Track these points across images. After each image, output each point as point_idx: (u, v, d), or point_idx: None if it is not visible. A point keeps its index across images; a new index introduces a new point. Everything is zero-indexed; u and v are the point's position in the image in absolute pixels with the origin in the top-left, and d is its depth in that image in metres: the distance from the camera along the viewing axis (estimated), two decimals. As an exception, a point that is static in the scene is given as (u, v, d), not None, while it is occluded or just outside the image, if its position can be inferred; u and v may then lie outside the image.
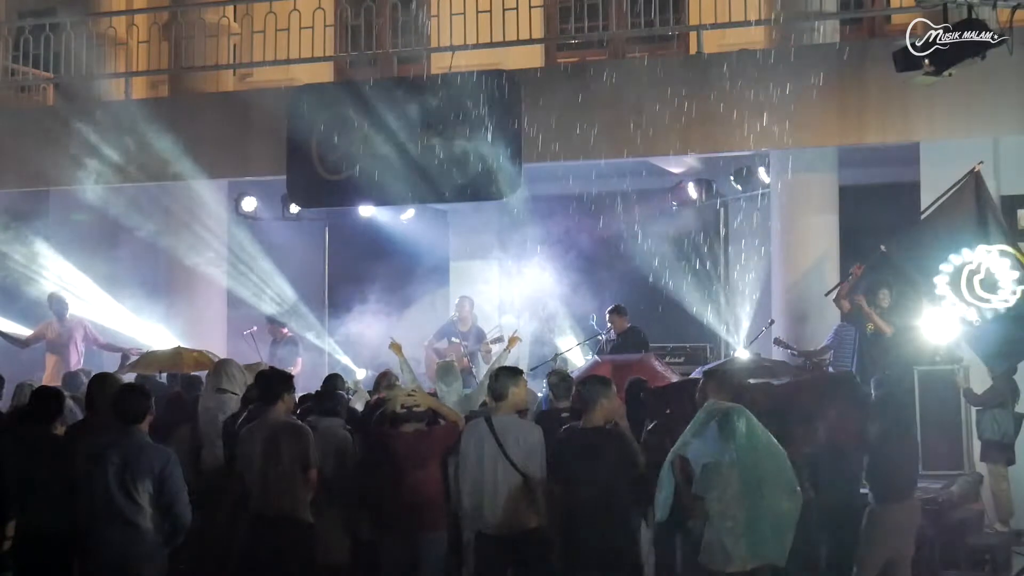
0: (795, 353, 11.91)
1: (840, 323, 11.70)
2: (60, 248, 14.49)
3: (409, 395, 7.95)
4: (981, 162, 10.72)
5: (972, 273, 10.49)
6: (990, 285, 10.47)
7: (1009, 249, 10.51)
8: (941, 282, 10.54)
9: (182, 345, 12.29)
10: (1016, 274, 10.46)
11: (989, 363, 10.61)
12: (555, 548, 7.09)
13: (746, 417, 6.76)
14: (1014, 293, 10.44)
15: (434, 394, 9.52)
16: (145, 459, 6.54)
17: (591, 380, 7.44)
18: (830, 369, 11.52)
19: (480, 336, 13.80)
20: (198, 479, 8.51)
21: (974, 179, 10.64)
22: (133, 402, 6.73)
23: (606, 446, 7.02)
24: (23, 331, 13.75)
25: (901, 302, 11.07)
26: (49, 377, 12.81)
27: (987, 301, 10.46)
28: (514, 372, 7.55)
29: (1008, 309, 10.43)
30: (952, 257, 10.52)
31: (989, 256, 10.47)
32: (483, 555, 7.32)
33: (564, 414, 8.67)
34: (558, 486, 7.07)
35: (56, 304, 13.52)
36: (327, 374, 9.70)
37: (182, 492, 6.63)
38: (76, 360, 13.26)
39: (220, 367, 9.41)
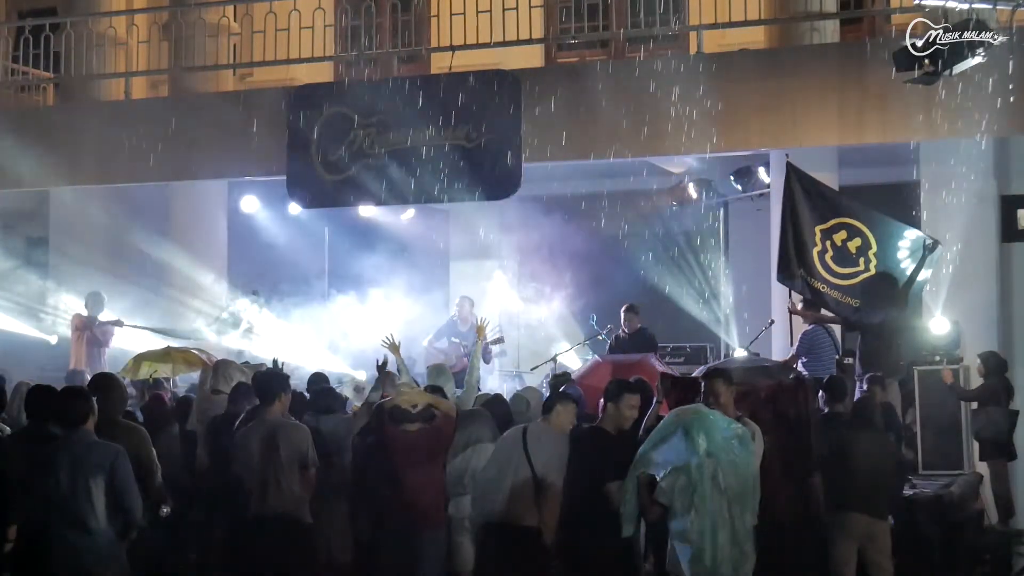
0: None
1: (810, 328, 11.48)
2: (59, 249, 14.51)
3: (407, 394, 7.95)
4: (787, 154, 10.77)
5: (821, 254, 10.53)
6: (842, 258, 10.48)
7: (843, 221, 10.54)
8: (809, 280, 10.55)
9: (171, 345, 12.28)
10: (858, 241, 10.48)
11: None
12: (552, 549, 7.12)
13: (710, 422, 6.73)
14: (868, 260, 10.47)
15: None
16: (94, 456, 6.59)
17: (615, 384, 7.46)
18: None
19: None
20: (192, 480, 8.51)
21: (789, 171, 10.69)
22: (72, 405, 6.77)
23: (605, 448, 7.01)
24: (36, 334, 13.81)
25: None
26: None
27: (853, 276, 10.46)
28: (567, 397, 7.70)
29: (873, 278, 10.46)
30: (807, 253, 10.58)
31: (827, 234, 10.48)
32: (485, 544, 7.41)
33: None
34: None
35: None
36: (310, 375, 9.69)
37: (132, 486, 6.65)
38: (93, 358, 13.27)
39: (217, 368, 9.40)
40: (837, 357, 11.22)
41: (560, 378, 10.09)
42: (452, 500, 7.96)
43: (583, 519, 6.97)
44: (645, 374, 10.00)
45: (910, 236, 10.73)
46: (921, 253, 10.56)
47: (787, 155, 10.82)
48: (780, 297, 12.45)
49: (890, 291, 10.47)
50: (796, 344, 11.60)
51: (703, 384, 7.39)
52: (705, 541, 6.56)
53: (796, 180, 10.78)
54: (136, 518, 6.71)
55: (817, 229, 10.57)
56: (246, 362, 10.81)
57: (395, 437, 7.71)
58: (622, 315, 12.97)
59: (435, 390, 8.38)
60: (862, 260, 10.65)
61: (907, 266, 10.58)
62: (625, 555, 7.07)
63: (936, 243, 10.62)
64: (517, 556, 7.14)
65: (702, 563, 6.56)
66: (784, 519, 7.49)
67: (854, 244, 10.59)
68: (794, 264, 10.68)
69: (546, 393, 9.69)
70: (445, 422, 7.82)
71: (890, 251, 10.62)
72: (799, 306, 11.17)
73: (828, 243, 10.59)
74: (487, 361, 13.14)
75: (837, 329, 11.66)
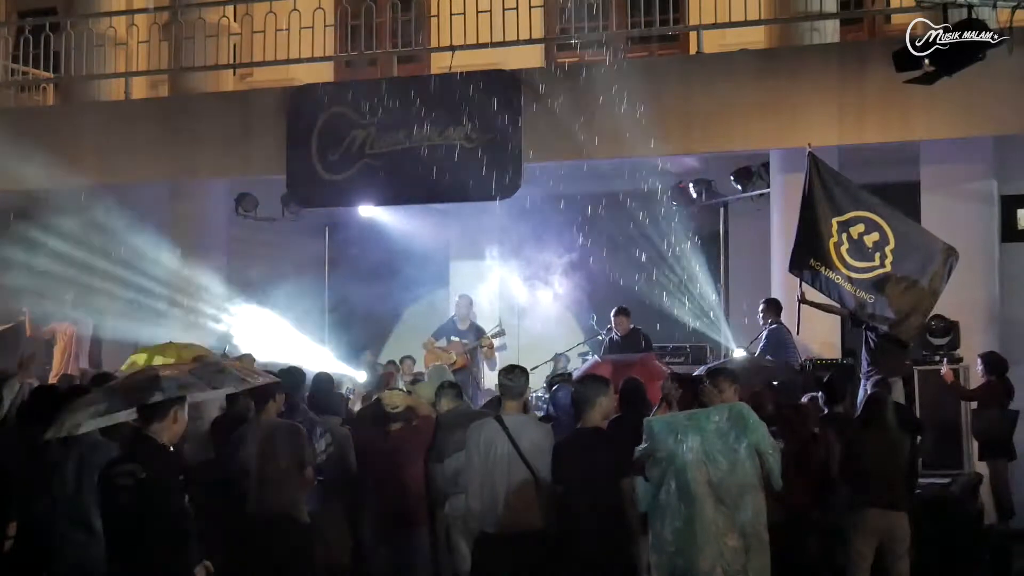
0: None
1: (775, 326, 11.47)
2: (59, 249, 14.48)
3: (388, 395, 8.01)
4: (810, 143, 10.67)
5: (837, 246, 10.47)
6: (858, 251, 10.43)
7: (861, 214, 10.51)
8: (822, 270, 10.53)
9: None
10: (876, 236, 10.44)
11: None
12: (553, 550, 7.08)
13: (702, 421, 6.70)
14: (884, 256, 10.45)
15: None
16: (100, 456, 6.56)
17: (588, 379, 7.39)
18: None
19: (479, 334, 13.81)
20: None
21: (810, 162, 10.54)
22: None
23: (603, 446, 6.99)
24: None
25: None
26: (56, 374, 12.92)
27: (867, 271, 10.44)
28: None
29: (888, 274, 10.39)
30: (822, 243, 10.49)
31: (844, 226, 10.45)
32: (484, 555, 7.25)
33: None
34: (558, 487, 7.05)
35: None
36: (315, 374, 9.68)
37: None
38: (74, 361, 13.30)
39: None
40: (801, 360, 11.25)
41: (560, 378, 10.08)
42: (449, 500, 7.95)
43: (587, 520, 6.91)
44: (646, 373, 10.05)
45: (928, 240, 10.65)
46: (937, 258, 10.47)
47: (808, 144, 10.73)
48: (780, 297, 12.46)
49: (904, 290, 10.41)
50: (762, 342, 11.60)
51: (706, 382, 7.40)
52: (682, 538, 6.57)
53: (816, 171, 10.69)
54: None
55: (834, 220, 10.47)
56: (223, 354, 10.81)
57: (377, 438, 7.74)
58: (612, 319, 12.91)
59: (452, 386, 8.38)
60: (878, 256, 10.54)
61: (922, 268, 10.50)
62: (625, 555, 7.04)
63: (952, 250, 10.49)
64: (525, 561, 7.06)
65: (677, 558, 6.58)
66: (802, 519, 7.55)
67: (871, 239, 10.51)
68: (809, 254, 10.57)
69: (545, 393, 9.69)
70: (425, 424, 7.85)
71: (907, 251, 10.54)
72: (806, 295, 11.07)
73: (844, 235, 10.49)
74: (487, 359, 13.19)
75: (827, 327, 11.69)
